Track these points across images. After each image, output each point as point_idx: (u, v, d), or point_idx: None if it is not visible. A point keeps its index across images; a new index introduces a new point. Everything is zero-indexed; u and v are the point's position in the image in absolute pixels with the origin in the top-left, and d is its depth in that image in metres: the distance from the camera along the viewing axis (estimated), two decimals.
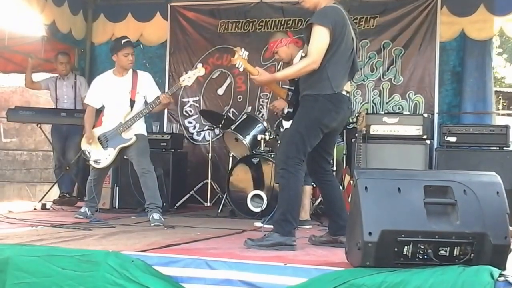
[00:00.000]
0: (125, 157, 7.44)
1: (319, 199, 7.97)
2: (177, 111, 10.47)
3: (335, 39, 5.11)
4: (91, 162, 7.37)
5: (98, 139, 7.32)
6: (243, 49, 5.43)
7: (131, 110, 7.21)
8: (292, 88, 5.75)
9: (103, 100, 7.44)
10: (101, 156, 7.31)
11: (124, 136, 7.20)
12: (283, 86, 6.28)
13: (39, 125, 9.56)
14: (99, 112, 7.55)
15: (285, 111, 6.03)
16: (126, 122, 7.17)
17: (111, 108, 7.36)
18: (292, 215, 5.14)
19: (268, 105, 9.55)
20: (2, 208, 8.25)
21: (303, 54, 5.44)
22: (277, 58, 7.39)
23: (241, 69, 5.41)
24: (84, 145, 7.43)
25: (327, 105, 5.17)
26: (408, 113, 9.15)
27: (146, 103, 7.26)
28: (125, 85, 7.27)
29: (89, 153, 7.36)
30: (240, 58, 5.35)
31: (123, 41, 7.30)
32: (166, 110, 10.16)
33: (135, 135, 7.19)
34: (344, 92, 5.31)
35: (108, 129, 7.29)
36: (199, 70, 7.17)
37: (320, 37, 5.07)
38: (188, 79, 7.11)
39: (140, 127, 7.30)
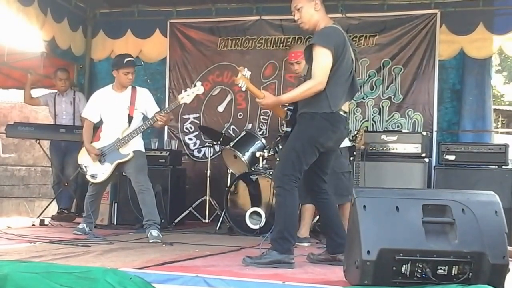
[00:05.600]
0: (123, 173, 7.43)
1: (317, 217, 7.94)
2: (177, 128, 10.45)
3: (336, 60, 5.13)
4: (88, 177, 7.36)
5: None
6: (246, 69, 5.40)
7: (129, 126, 7.20)
8: (292, 108, 5.74)
9: (101, 114, 7.43)
10: (98, 171, 7.29)
11: (121, 151, 7.19)
12: (283, 105, 6.27)
13: (38, 141, 9.57)
14: (96, 128, 7.54)
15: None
16: (124, 137, 7.15)
17: (109, 123, 7.36)
18: (289, 233, 5.14)
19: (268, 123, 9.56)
20: (0, 223, 8.25)
21: (302, 75, 5.45)
22: (293, 69, 7.35)
23: (243, 89, 5.35)
24: (81, 160, 7.41)
25: (324, 124, 5.18)
26: (407, 131, 9.13)
27: (144, 119, 7.25)
28: (124, 100, 7.27)
29: (86, 167, 7.35)
30: (243, 77, 5.32)
31: (126, 59, 7.27)
32: (166, 127, 10.16)
33: (133, 151, 7.18)
34: (341, 112, 5.32)
35: (106, 144, 7.27)
36: (198, 89, 7.17)
37: (323, 58, 5.09)
38: (187, 96, 7.10)
39: (138, 144, 7.28)
